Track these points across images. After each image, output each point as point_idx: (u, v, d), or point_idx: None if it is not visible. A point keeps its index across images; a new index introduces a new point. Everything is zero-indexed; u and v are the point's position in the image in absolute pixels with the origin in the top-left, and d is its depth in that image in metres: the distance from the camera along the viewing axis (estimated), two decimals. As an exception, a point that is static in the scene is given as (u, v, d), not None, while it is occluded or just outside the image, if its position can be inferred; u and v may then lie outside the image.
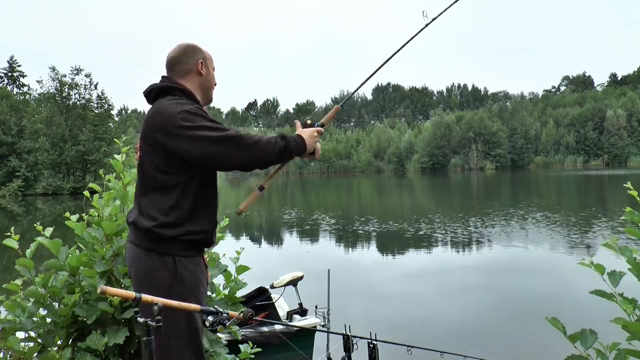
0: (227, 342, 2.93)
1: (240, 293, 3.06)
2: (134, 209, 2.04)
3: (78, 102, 43.98)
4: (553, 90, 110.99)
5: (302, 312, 4.83)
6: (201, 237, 2.01)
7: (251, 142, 1.91)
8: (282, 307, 4.88)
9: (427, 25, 2.43)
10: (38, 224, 2.68)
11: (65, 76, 43.26)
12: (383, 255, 11.44)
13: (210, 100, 2.22)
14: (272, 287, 4.82)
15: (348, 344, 2.96)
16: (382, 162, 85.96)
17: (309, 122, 2.20)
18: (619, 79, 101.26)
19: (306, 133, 2.10)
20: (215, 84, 2.22)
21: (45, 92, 44.33)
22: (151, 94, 2.08)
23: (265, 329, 4.27)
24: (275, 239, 14.73)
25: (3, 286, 2.74)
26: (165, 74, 2.15)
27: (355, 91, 2.52)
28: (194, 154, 1.89)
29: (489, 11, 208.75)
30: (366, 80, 2.40)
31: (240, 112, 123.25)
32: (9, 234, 2.61)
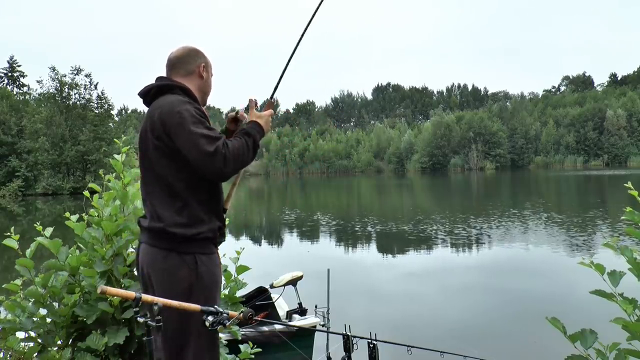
0: (227, 342, 2.93)
1: (240, 293, 3.06)
2: (147, 213, 2.04)
3: (78, 102, 43.99)
4: (553, 90, 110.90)
5: (302, 311, 4.83)
6: (216, 234, 2.03)
7: (232, 154, 1.90)
8: (282, 306, 4.89)
9: None
10: (38, 224, 2.68)
11: (65, 76, 43.32)
12: (383, 255, 11.44)
13: (204, 105, 2.24)
14: (271, 286, 4.83)
15: (348, 343, 2.96)
16: (382, 162, 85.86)
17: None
18: (619, 79, 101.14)
19: (264, 118, 2.15)
20: (210, 90, 2.26)
21: (45, 92, 44.37)
22: (150, 92, 2.08)
23: (265, 328, 4.28)
24: (275, 239, 14.73)
25: (3, 286, 2.74)
26: (162, 75, 2.16)
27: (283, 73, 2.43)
28: (188, 157, 1.91)
29: (489, 11, 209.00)
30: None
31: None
32: (9, 234, 2.62)
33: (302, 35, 2.42)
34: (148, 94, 2.09)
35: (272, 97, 2.35)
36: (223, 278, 2.99)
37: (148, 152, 2.00)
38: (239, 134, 2.04)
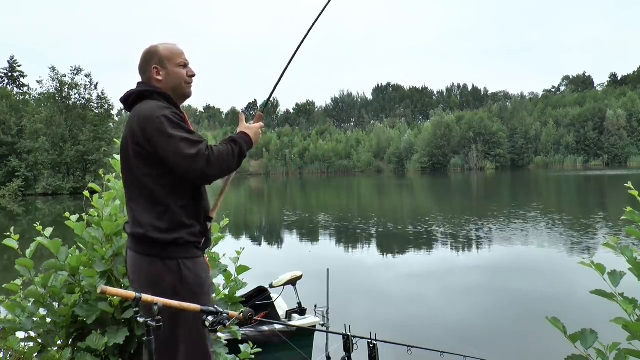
0: (227, 342, 2.93)
1: (239, 293, 3.06)
2: (129, 218, 2.04)
3: (78, 102, 43.97)
4: (553, 90, 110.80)
5: (301, 311, 4.83)
6: (199, 238, 2.01)
7: (216, 157, 1.90)
8: (281, 306, 4.88)
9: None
10: (38, 224, 2.68)
11: (65, 76, 43.30)
12: (383, 255, 11.44)
13: (186, 95, 2.15)
14: (271, 286, 4.83)
15: (348, 343, 2.97)
16: (382, 162, 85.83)
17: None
18: (619, 79, 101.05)
19: (253, 130, 2.14)
20: (189, 76, 2.13)
21: (45, 92, 44.36)
22: (129, 99, 2.07)
23: (265, 328, 4.28)
24: (275, 239, 14.73)
25: (3, 286, 2.74)
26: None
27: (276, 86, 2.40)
28: (169, 161, 1.90)
29: (490, 12, 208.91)
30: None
31: (241, 112, 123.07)
32: (9, 234, 2.61)
33: (301, 44, 2.37)
34: (128, 100, 2.07)
35: (262, 110, 2.32)
36: (223, 278, 3.00)
37: (129, 158, 1.99)
38: (225, 141, 2.03)
